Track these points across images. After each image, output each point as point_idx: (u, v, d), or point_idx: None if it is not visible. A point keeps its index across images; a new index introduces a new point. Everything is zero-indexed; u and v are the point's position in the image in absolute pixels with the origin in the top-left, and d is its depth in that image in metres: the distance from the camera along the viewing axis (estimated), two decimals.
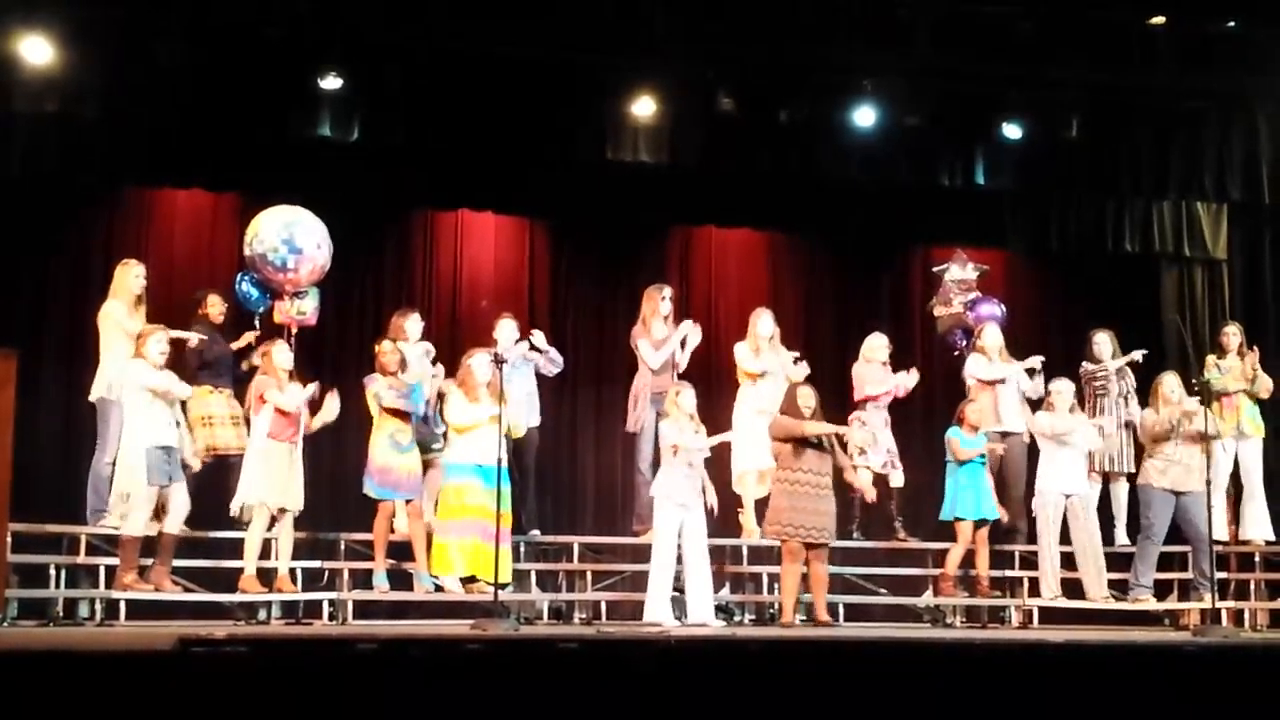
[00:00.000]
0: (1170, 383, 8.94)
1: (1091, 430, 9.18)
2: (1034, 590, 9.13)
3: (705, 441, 8.45)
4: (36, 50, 8.84)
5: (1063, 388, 9.19)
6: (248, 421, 8.41)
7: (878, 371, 9.58)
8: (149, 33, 8.99)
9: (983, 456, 9.04)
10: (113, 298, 8.61)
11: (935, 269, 10.48)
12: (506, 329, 9.13)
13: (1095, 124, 10.35)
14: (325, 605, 8.41)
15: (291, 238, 8.72)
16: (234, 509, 8.21)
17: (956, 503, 9.02)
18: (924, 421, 10.22)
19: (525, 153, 9.97)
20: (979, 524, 8.99)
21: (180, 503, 7.96)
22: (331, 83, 9.28)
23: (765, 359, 9.27)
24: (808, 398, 8.36)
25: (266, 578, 8.25)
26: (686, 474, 8.32)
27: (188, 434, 8.24)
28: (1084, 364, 9.71)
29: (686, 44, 9.74)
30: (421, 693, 4.48)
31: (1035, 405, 9.47)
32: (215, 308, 8.82)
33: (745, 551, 9.23)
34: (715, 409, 9.43)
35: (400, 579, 8.58)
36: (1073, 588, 9.05)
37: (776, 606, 8.67)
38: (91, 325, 8.69)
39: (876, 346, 9.67)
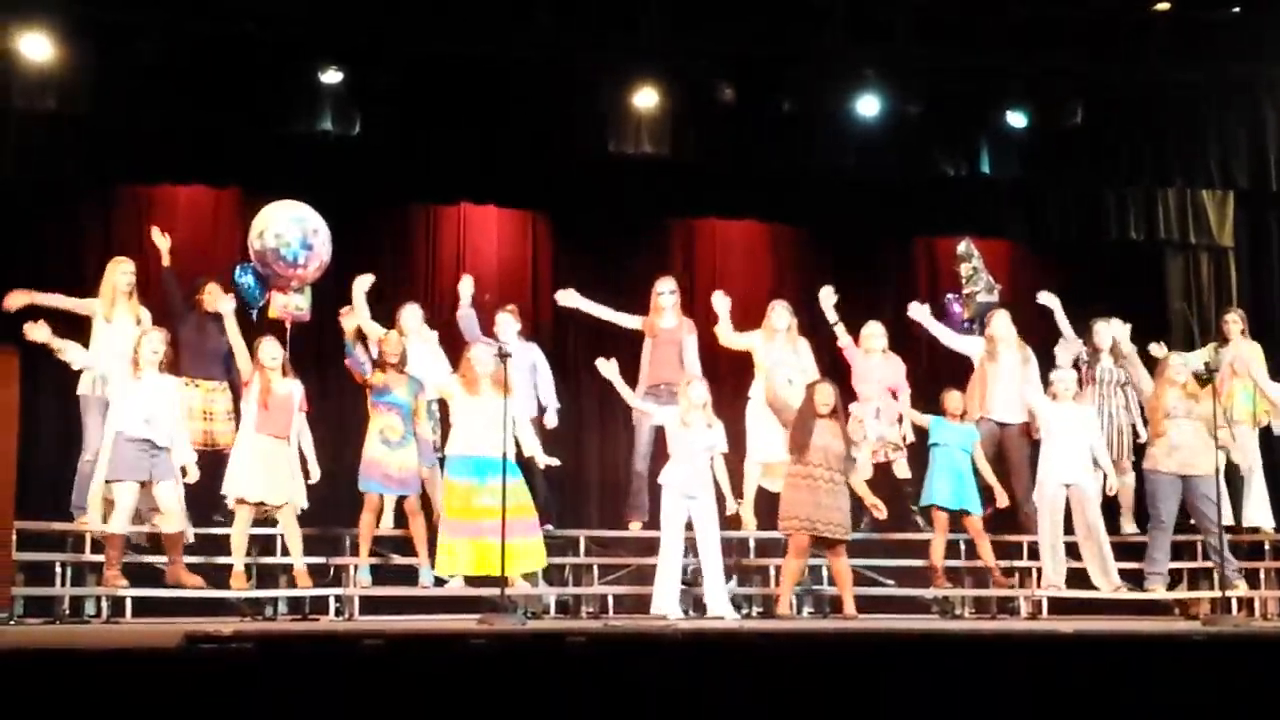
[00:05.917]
0: (1175, 362, 8.88)
1: (1092, 420, 9.08)
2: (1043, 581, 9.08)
3: (657, 410, 8.44)
4: (34, 47, 8.79)
5: (1064, 377, 9.10)
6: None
7: (873, 360, 9.45)
8: (146, 28, 8.94)
9: (964, 447, 9.00)
10: (99, 295, 8.56)
11: (961, 250, 10.20)
12: (505, 322, 9.11)
13: (1098, 111, 10.28)
14: (331, 601, 8.38)
15: (304, 233, 8.70)
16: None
17: (931, 490, 8.96)
18: (924, 410, 10.15)
19: (527, 146, 9.93)
20: (956, 513, 8.92)
21: (125, 502, 7.75)
22: (332, 77, 9.25)
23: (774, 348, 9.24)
24: (826, 395, 8.25)
25: (261, 575, 8.24)
26: (693, 465, 8.27)
27: (185, 434, 8.11)
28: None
29: (687, 35, 9.70)
30: (429, 688, 4.45)
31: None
32: (211, 296, 8.68)
33: (752, 545, 9.19)
34: (719, 402, 9.38)
35: (407, 574, 8.56)
36: (1084, 577, 8.99)
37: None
38: (88, 323, 8.65)
39: (869, 335, 9.46)
